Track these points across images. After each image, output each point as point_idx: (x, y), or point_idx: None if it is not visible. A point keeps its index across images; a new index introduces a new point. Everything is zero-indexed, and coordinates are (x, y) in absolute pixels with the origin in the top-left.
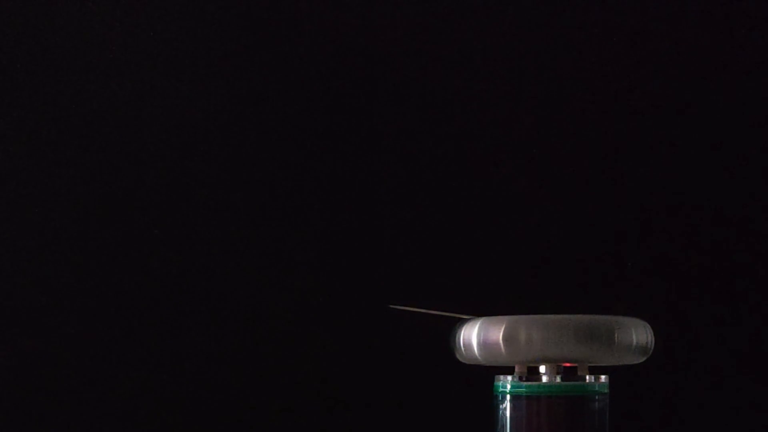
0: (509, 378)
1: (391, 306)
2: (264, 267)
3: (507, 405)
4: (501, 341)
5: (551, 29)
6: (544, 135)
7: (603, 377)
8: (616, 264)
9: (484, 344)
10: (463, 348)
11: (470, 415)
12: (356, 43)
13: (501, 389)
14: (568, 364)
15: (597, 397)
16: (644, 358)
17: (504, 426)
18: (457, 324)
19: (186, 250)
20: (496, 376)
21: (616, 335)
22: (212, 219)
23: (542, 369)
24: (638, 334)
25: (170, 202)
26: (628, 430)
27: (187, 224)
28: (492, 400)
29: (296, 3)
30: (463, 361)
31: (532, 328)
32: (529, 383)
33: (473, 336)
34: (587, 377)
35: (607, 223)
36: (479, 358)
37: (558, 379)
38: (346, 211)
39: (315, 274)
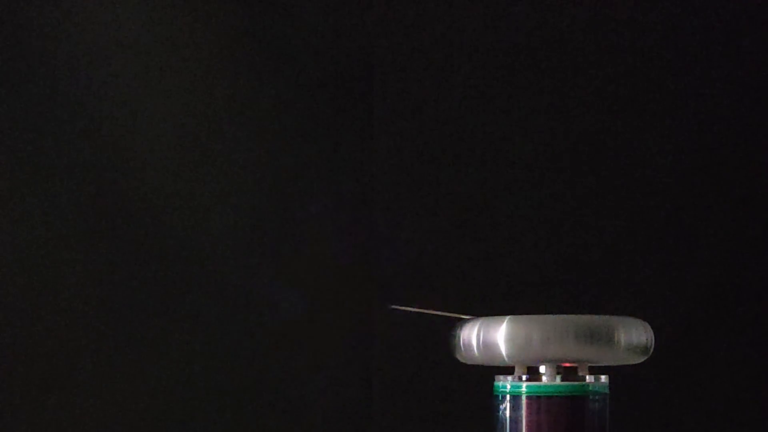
0: (509, 378)
1: (391, 306)
2: (264, 267)
3: (507, 405)
4: (501, 341)
5: (551, 30)
6: (544, 136)
7: (603, 377)
8: (616, 264)
9: (484, 344)
10: (463, 348)
11: (470, 415)
12: (355, 42)
13: (501, 389)
14: (568, 364)
15: (597, 397)
16: (644, 358)
17: (504, 426)
18: (457, 324)
19: (186, 249)
20: (496, 376)
21: (616, 335)
22: (212, 218)
23: (542, 369)
24: (638, 334)
25: (170, 202)
26: (628, 430)
27: (187, 223)
28: (492, 400)
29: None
30: (463, 361)
31: (532, 328)
32: (529, 383)
33: (473, 336)
34: (587, 377)
35: (607, 223)
36: (479, 358)
37: (558, 379)
38: (347, 211)
39: (315, 274)
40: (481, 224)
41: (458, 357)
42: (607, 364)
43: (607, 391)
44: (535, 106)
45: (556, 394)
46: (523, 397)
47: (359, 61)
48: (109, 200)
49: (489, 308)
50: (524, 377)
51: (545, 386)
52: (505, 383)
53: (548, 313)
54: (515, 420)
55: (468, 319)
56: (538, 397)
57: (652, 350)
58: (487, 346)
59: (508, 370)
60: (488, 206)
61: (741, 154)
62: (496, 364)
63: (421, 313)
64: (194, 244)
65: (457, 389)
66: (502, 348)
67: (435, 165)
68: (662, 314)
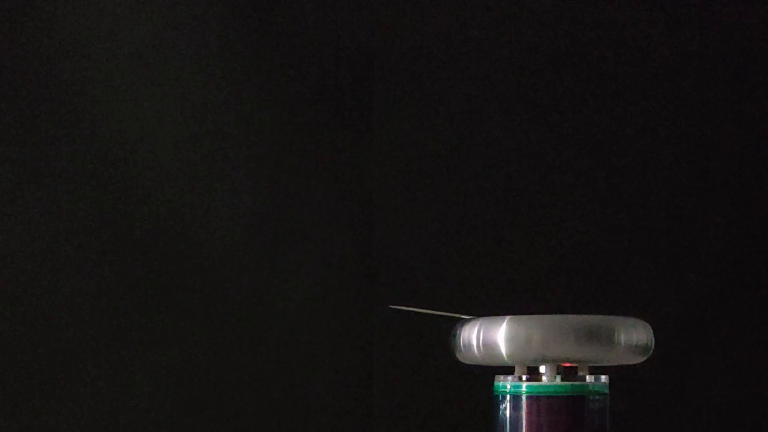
0: (509, 378)
1: (391, 306)
2: (264, 267)
3: (507, 405)
4: (501, 341)
5: (552, 28)
6: (544, 135)
7: (603, 377)
8: (616, 264)
9: (484, 344)
10: (463, 348)
11: (470, 415)
12: (355, 42)
13: (501, 389)
14: (568, 364)
15: (597, 397)
16: (644, 358)
17: (504, 426)
18: (457, 324)
19: (185, 248)
20: (496, 376)
21: (616, 335)
22: (211, 218)
23: (542, 369)
24: (638, 334)
25: (169, 201)
26: (628, 430)
27: (188, 223)
28: (492, 400)
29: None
30: (463, 361)
31: (532, 328)
32: (529, 383)
33: (473, 336)
34: (587, 377)
35: (607, 223)
36: (479, 358)
37: (558, 379)
38: (347, 210)
39: (315, 274)
40: (481, 224)
41: (458, 357)
42: (607, 364)
43: (607, 391)
44: (535, 106)
45: (556, 394)
46: (523, 397)
47: (359, 61)
48: (109, 200)
49: (489, 308)
50: (524, 377)
51: (545, 386)
52: (505, 383)
53: (548, 313)
54: (515, 420)
55: (468, 319)
56: (538, 397)
57: (652, 350)
58: (487, 346)
59: (508, 370)
60: (488, 206)
61: (741, 154)
62: (496, 364)
63: (420, 313)
64: (193, 243)
65: (457, 389)
66: (502, 348)
67: (435, 165)
68: (662, 314)
